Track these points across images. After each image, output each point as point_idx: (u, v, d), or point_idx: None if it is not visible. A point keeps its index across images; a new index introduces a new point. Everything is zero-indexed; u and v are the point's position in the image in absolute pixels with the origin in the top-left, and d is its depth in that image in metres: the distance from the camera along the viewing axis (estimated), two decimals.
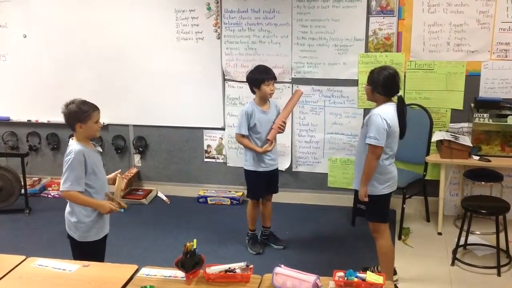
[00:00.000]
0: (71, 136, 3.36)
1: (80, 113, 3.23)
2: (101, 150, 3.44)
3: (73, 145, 3.24)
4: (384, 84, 3.56)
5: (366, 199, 3.67)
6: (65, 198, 3.26)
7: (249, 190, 4.61)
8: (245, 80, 4.44)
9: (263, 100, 4.33)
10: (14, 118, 6.03)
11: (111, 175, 3.55)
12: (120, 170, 3.66)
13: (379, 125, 3.49)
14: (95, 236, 3.31)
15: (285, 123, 4.32)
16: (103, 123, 5.77)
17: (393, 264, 3.87)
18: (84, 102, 3.29)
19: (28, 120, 5.91)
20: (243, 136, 4.34)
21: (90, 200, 3.24)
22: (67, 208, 3.32)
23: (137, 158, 5.94)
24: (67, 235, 3.33)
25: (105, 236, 3.41)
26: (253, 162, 4.40)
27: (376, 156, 3.55)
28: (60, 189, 3.24)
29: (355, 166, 3.84)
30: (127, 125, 5.86)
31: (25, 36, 5.74)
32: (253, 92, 4.34)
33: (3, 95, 5.99)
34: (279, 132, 4.34)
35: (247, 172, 4.48)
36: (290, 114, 4.63)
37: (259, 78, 4.24)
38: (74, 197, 3.20)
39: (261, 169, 4.40)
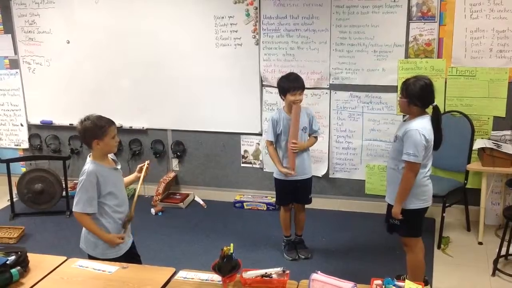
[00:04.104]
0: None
1: (96, 129, 3.12)
2: (119, 167, 3.35)
3: (87, 165, 3.18)
4: (421, 95, 3.45)
5: (400, 217, 3.59)
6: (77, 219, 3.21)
7: (276, 196, 4.64)
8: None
9: (291, 107, 4.29)
10: (57, 122, 6.17)
11: (137, 168, 3.48)
12: (149, 161, 3.52)
13: (418, 142, 3.39)
14: (115, 253, 3.24)
15: (295, 143, 4.22)
16: (143, 127, 5.90)
17: (421, 278, 3.78)
18: (100, 118, 3.17)
19: (70, 124, 6.01)
20: (271, 143, 4.36)
21: (99, 231, 3.18)
22: None
23: (175, 163, 6.00)
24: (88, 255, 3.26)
25: (128, 252, 3.34)
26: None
27: (414, 173, 3.47)
28: (73, 210, 3.21)
29: (388, 180, 3.75)
30: (166, 130, 5.93)
31: (68, 42, 5.87)
32: (282, 98, 4.34)
33: (46, 99, 6.14)
34: (296, 151, 4.26)
35: (274, 179, 4.51)
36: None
37: (285, 87, 4.22)
38: (85, 221, 3.17)
39: (285, 177, 4.36)
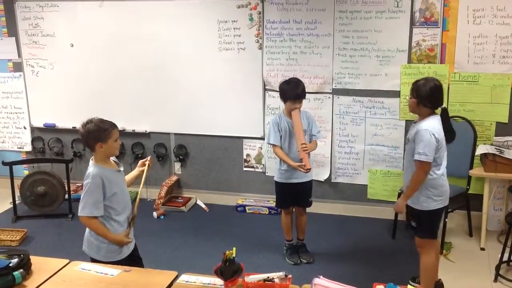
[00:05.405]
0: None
1: (100, 132, 3.12)
2: (121, 169, 3.34)
3: (91, 168, 3.18)
4: (431, 97, 3.50)
5: (401, 210, 3.63)
6: (83, 224, 3.21)
7: (276, 199, 4.63)
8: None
9: (290, 112, 4.26)
10: (60, 125, 6.18)
11: (139, 163, 3.50)
12: (150, 157, 3.56)
13: (429, 141, 3.42)
14: (118, 256, 3.24)
15: (304, 144, 4.19)
16: (146, 130, 5.90)
17: (434, 280, 3.79)
18: (102, 121, 3.18)
19: (73, 127, 6.01)
20: (275, 146, 4.32)
21: (108, 233, 3.18)
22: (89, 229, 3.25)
23: (177, 166, 6.01)
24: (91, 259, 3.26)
25: (131, 255, 3.33)
26: (278, 172, 4.42)
27: (425, 172, 3.50)
28: (79, 215, 3.17)
29: (405, 183, 3.75)
30: (169, 133, 5.94)
31: (72, 45, 5.89)
32: (283, 101, 4.32)
33: (49, 102, 6.16)
34: (308, 151, 4.22)
35: (275, 182, 4.51)
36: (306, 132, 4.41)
37: (286, 94, 4.21)
38: (93, 225, 3.16)
39: (285, 180, 4.38)
